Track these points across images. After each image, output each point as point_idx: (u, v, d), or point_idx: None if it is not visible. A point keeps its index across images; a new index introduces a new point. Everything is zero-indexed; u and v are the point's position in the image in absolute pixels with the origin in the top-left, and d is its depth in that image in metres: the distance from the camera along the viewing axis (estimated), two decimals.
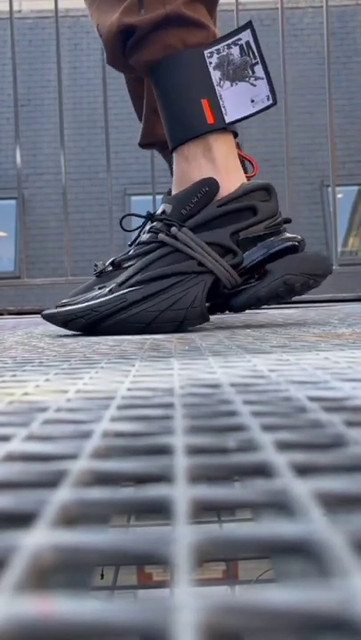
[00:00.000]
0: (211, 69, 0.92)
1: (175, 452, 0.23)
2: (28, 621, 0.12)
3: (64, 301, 1.00)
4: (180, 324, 0.89)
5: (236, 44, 0.92)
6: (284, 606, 0.12)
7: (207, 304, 0.92)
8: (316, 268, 0.95)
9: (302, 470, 0.21)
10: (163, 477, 0.21)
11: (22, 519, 0.17)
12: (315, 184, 7.63)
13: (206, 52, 0.92)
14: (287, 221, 0.98)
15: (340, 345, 0.61)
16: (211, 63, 0.92)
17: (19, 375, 0.46)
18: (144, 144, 1.28)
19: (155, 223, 0.95)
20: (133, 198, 7.31)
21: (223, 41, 0.92)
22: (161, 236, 0.92)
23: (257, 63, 0.92)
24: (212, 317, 1.06)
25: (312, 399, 0.32)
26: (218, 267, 0.90)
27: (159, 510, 0.18)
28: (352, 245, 7.74)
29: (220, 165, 0.93)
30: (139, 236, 1.05)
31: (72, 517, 0.18)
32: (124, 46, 0.97)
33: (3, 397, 0.36)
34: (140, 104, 1.23)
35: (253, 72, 0.92)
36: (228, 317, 1.29)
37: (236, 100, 0.92)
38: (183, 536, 0.15)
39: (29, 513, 0.18)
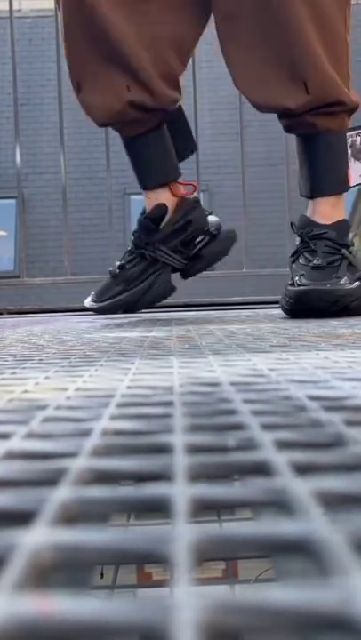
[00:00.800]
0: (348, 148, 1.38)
1: (175, 450, 0.23)
2: (27, 620, 0.12)
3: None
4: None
5: (359, 134, 1.47)
6: (283, 605, 0.12)
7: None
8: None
9: (302, 469, 0.21)
10: (162, 476, 0.21)
11: (22, 517, 0.17)
12: None
13: (347, 134, 1.36)
14: None
15: (340, 345, 0.61)
16: (347, 143, 1.36)
17: (19, 373, 0.46)
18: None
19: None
20: (133, 197, 7.30)
21: (354, 130, 1.44)
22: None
23: None
24: (211, 316, 1.08)
25: (312, 398, 0.32)
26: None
27: (159, 509, 0.18)
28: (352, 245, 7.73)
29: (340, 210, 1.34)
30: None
31: (72, 516, 0.18)
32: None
33: (2, 395, 0.36)
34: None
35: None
36: (228, 317, 1.29)
37: (354, 173, 1.43)
38: (183, 535, 0.15)
39: (29, 511, 0.18)
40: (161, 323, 1.15)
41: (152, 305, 1.37)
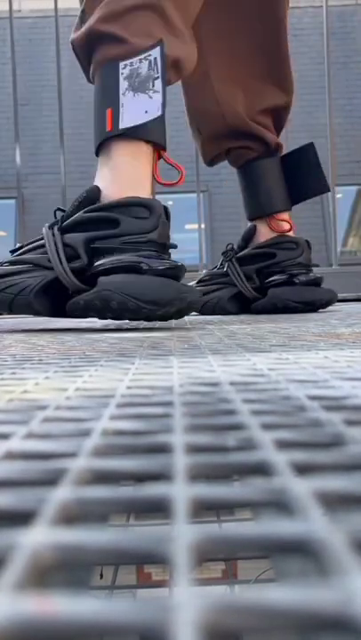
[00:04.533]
0: (121, 79, 1.00)
1: (175, 450, 0.23)
2: (27, 620, 0.12)
3: None
4: (8, 305, 0.99)
5: (146, 59, 0.99)
6: (283, 606, 0.12)
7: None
8: (150, 294, 0.91)
9: (302, 469, 0.21)
10: (162, 476, 0.21)
11: (21, 518, 0.17)
12: None
13: (121, 64, 1.00)
14: (172, 246, 0.99)
15: (339, 344, 0.61)
16: (123, 74, 1.00)
17: (18, 373, 0.46)
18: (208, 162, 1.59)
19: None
20: None
21: (138, 55, 1.00)
22: (44, 230, 1.01)
23: (158, 78, 0.99)
24: (211, 317, 1.08)
25: (312, 398, 0.32)
26: (58, 266, 0.97)
27: (158, 509, 0.18)
28: (351, 245, 7.73)
29: (112, 174, 0.99)
30: None
31: (71, 516, 0.18)
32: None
33: (2, 395, 0.36)
34: None
35: (153, 85, 0.99)
36: (228, 317, 1.29)
37: (134, 110, 0.99)
38: (182, 535, 0.15)
39: (28, 511, 0.18)
40: (161, 323, 1.15)
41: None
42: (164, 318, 0.94)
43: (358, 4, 8.48)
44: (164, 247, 0.96)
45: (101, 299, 0.92)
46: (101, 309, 0.93)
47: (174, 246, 0.99)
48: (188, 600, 0.12)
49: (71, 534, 0.16)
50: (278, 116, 1.51)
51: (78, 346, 0.70)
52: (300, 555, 0.15)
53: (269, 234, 1.48)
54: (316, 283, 1.44)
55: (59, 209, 1.04)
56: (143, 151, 1.00)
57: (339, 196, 7.15)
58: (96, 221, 0.97)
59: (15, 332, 1.02)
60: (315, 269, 1.50)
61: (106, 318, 0.96)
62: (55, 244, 0.97)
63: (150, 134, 1.00)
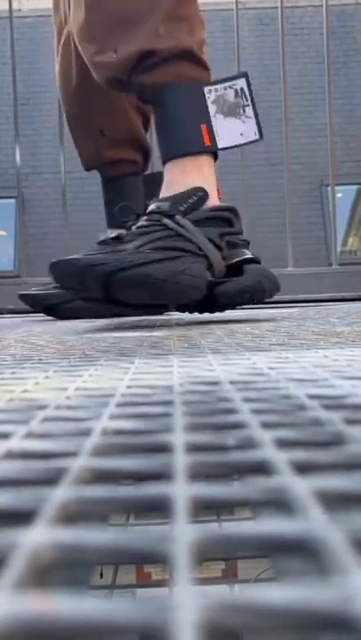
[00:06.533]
0: (209, 103, 1.10)
1: (174, 449, 0.23)
2: (26, 620, 0.12)
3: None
4: (186, 289, 0.98)
5: (231, 88, 1.11)
6: (283, 605, 0.12)
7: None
8: (273, 283, 1.07)
9: (302, 468, 0.21)
10: (162, 475, 0.21)
11: (21, 517, 0.17)
12: (314, 183, 7.62)
13: (206, 89, 1.10)
14: (247, 242, 1.13)
15: (339, 343, 0.61)
16: (209, 98, 1.10)
17: (18, 372, 0.46)
18: (90, 168, 1.58)
19: (151, 215, 1.05)
20: None
21: (221, 83, 1.11)
22: (165, 220, 1.03)
23: (248, 105, 1.12)
24: (211, 315, 1.08)
25: (311, 397, 0.32)
26: (215, 254, 1.02)
27: (158, 508, 0.18)
28: (351, 245, 7.73)
29: (208, 181, 1.09)
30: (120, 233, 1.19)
31: (71, 515, 0.18)
32: (133, 68, 1.11)
33: (2, 395, 0.36)
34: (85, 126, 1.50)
35: (244, 112, 1.12)
36: (227, 316, 1.29)
37: (228, 132, 1.10)
38: (182, 534, 0.15)
39: (29, 511, 0.18)
40: (161, 322, 1.15)
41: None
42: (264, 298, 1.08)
43: (358, 3, 8.47)
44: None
45: (258, 282, 1.04)
46: (258, 291, 1.04)
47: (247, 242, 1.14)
48: (188, 599, 0.12)
49: (71, 534, 0.16)
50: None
51: (78, 345, 0.70)
52: (300, 554, 0.15)
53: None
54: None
55: (125, 206, 1.14)
56: (215, 165, 1.13)
57: (339, 195, 7.15)
58: (218, 218, 1.06)
59: (15, 331, 1.02)
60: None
61: (253, 302, 1.06)
62: (198, 235, 1.02)
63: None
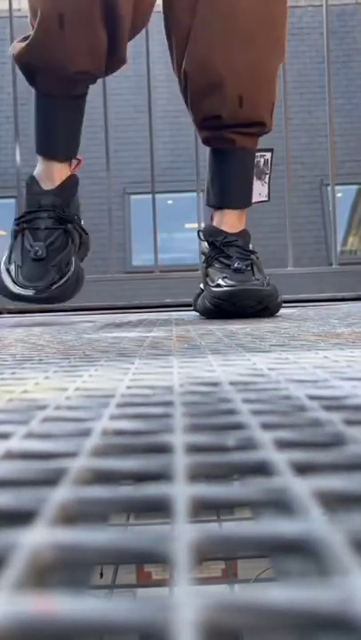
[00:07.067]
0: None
1: (174, 450, 0.23)
2: (27, 619, 0.12)
3: None
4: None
5: (262, 157, 1.44)
6: (283, 605, 0.12)
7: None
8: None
9: (302, 469, 0.21)
10: (162, 476, 0.21)
11: (21, 517, 0.17)
12: (314, 183, 7.62)
13: (258, 155, 1.43)
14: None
15: (339, 344, 0.61)
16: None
17: (18, 373, 0.46)
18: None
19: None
20: (133, 197, 7.30)
21: (259, 151, 1.43)
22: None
23: (267, 174, 1.46)
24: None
25: (311, 398, 0.32)
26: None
27: (158, 509, 0.18)
28: (351, 244, 7.73)
29: (241, 223, 1.40)
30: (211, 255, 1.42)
31: (71, 515, 0.18)
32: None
33: (2, 395, 0.36)
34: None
35: (264, 178, 1.45)
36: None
37: (255, 190, 1.42)
38: (182, 535, 0.15)
39: (29, 511, 0.18)
40: (161, 323, 1.15)
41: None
42: None
43: (358, 3, 8.47)
44: None
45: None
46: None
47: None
48: (187, 599, 0.12)
49: (71, 534, 0.16)
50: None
51: (78, 346, 0.70)
52: (300, 554, 0.15)
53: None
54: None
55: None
56: None
57: (339, 195, 7.14)
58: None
59: (15, 331, 1.02)
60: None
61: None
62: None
63: None
